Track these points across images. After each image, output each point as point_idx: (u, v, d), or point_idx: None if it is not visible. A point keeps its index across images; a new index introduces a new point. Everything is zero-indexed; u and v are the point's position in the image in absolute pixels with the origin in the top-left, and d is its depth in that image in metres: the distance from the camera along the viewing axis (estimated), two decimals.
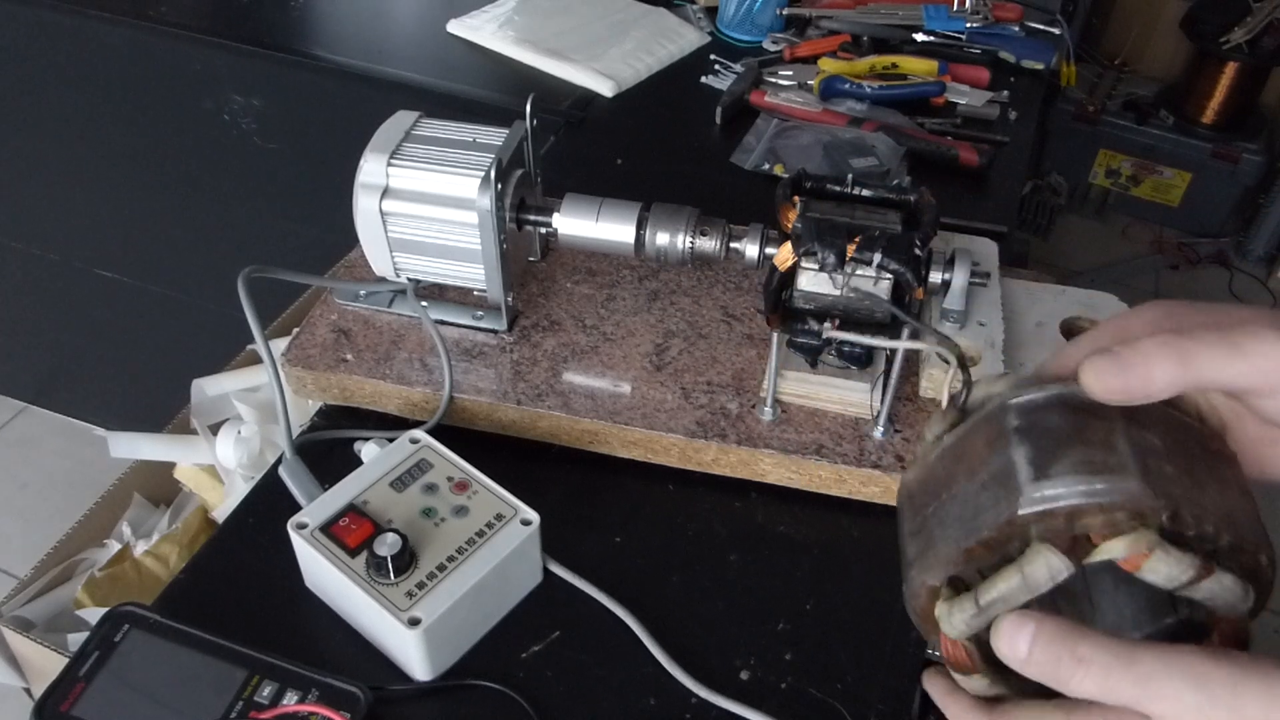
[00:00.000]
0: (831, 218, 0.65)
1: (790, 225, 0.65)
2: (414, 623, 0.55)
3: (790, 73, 1.14)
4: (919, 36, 1.23)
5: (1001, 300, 0.75)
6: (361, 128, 0.73)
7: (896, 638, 0.62)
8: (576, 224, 0.72)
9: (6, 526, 1.82)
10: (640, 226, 0.71)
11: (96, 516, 1.01)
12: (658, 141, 1.08)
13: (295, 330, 0.76)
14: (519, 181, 0.72)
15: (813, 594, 0.64)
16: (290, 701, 0.53)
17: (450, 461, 0.63)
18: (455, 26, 1.25)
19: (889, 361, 0.68)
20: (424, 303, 0.75)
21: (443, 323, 0.76)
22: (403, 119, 0.74)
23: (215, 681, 0.54)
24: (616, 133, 1.09)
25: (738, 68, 1.17)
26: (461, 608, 0.57)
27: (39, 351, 1.88)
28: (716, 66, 1.19)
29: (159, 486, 1.04)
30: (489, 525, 0.60)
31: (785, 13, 1.25)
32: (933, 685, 0.42)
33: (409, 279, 0.76)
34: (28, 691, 0.95)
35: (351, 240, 0.75)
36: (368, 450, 0.69)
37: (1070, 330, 0.75)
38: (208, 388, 0.96)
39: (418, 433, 0.65)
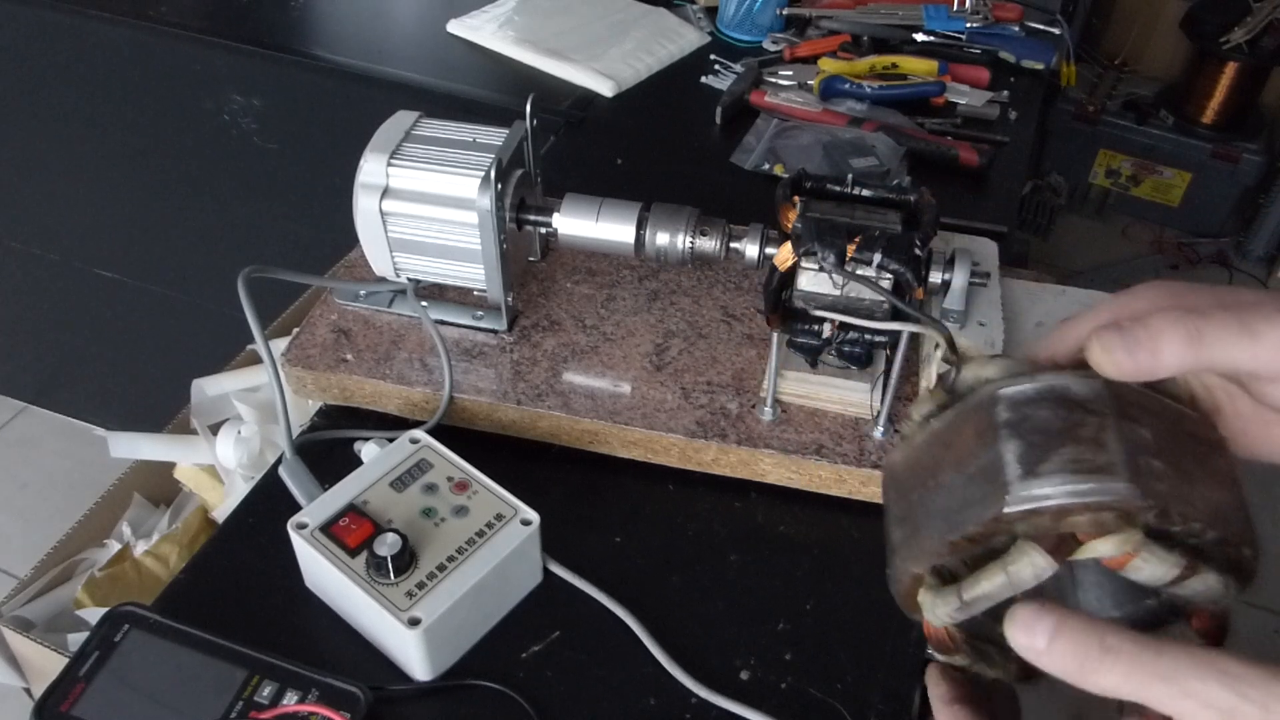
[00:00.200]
0: (831, 218, 0.65)
1: (790, 225, 0.65)
2: (414, 623, 0.55)
3: (790, 73, 1.14)
4: (919, 36, 1.23)
5: (1001, 300, 0.75)
6: (361, 128, 0.73)
7: (896, 638, 0.62)
8: (576, 224, 0.72)
9: (6, 526, 1.82)
10: (640, 226, 0.71)
11: (96, 516, 1.01)
12: (658, 141, 1.08)
13: (295, 330, 0.76)
14: (519, 181, 0.72)
15: (813, 594, 0.64)
16: (290, 701, 0.53)
17: (450, 461, 0.63)
18: (455, 26, 1.25)
19: (889, 361, 0.68)
20: (424, 303, 0.75)
21: (443, 323, 0.76)
22: (403, 119, 0.74)
23: (215, 681, 0.54)
24: (616, 133, 1.09)
25: (738, 68, 1.17)
26: (461, 608, 0.57)
27: (39, 351, 1.88)
28: (716, 66, 1.19)
29: (159, 486, 1.04)
30: (489, 525, 0.60)
31: (785, 13, 1.25)
32: (934, 690, 0.42)
33: (409, 279, 0.76)
34: (28, 691, 0.95)
35: (351, 240, 0.75)
36: (368, 450, 0.69)
37: None
38: (208, 388, 0.96)
39: (418, 433, 0.65)
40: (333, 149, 1.19)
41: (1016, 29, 1.26)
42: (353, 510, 0.60)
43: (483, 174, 0.68)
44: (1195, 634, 0.37)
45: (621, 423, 0.69)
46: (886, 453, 0.68)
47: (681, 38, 1.25)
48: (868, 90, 1.10)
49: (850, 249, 0.63)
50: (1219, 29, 2.26)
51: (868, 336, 0.66)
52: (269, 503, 0.67)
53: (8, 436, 1.99)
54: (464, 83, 1.17)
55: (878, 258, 0.62)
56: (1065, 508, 0.34)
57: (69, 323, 1.75)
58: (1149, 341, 0.34)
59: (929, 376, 0.71)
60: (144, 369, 1.75)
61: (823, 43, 1.20)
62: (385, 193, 0.71)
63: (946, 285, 0.68)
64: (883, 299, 0.65)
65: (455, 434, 0.71)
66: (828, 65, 1.14)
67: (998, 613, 0.39)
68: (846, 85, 1.11)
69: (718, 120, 1.10)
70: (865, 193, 0.68)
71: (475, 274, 0.73)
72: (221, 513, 0.96)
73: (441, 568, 0.57)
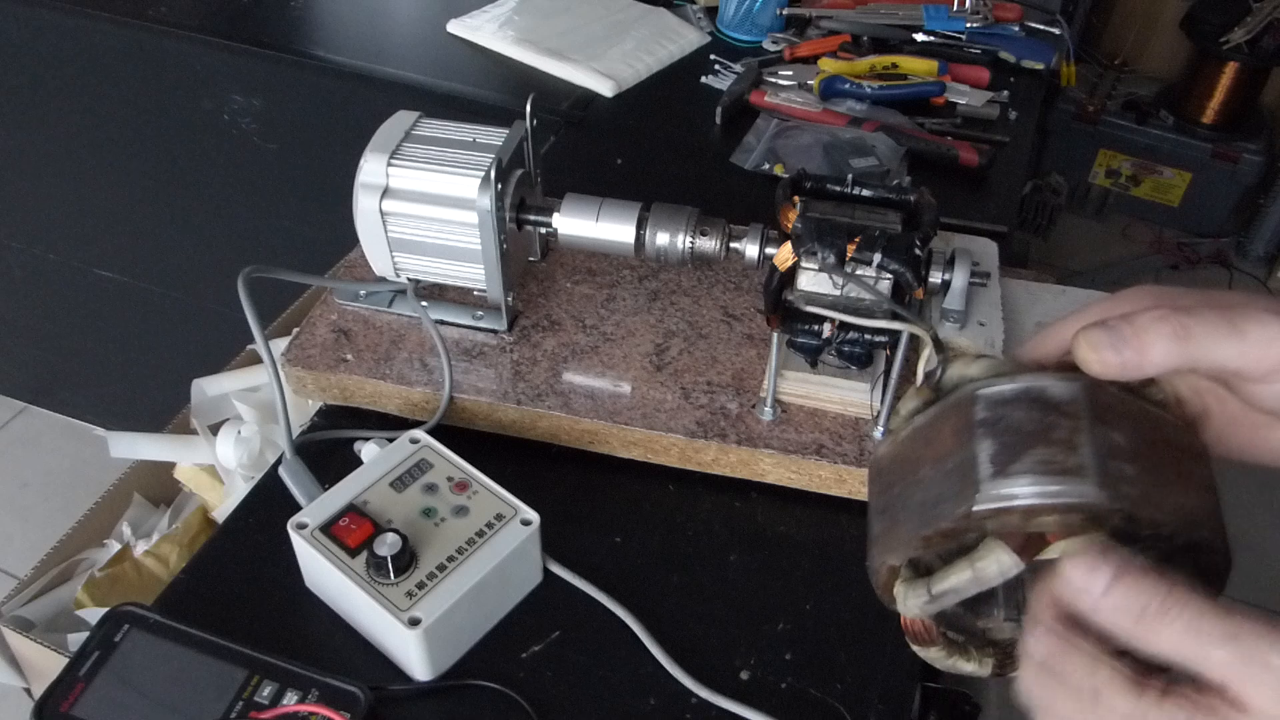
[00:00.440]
0: (831, 218, 0.65)
1: (790, 225, 0.65)
2: (414, 623, 0.55)
3: (790, 73, 1.14)
4: (919, 36, 1.23)
5: (1001, 300, 0.75)
6: (361, 128, 0.73)
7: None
8: (576, 224, 0.72)
9: (6, 526, 1.82)
10: (640, 226, 0.71)
11: (96, 516, 1.01)
12: (658, 141, 1.08)
13: (295, 330, 0.76)
14: (519, 181, 0.72)
15: (813, 594, 0.64)
16: (290, 701, 0.53)
17: (450, 461, 0.63)
18: (455, 26, 1.25)
19: (889, 361, 0.68)
20: (424, 303, 0.75)
21: (443, 323, 0.76)
22: (403, 119, 0.74)
23: (215, 681, 0.54)
24: (616, 133, 1.09)
25: (738, 68, 1.17)
26: (461, 608, 0.57)
27: (39, 351, 1.87)
28: (716, 66, 1.19)
29: (159, 486, 1.04)
30: (489, 525, 0.60)
31: (785, 13, 1.25)
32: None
33: (409, 279, 0.76)
34: (28, 691, 0.95)
35: (351, 240, 0.75)
36: (368, 450, 0.69)
37: None
38: (208, 388, 0.96)
39: (418, 433, 0.65)
40: (333, 149, 1.19)
41: (1016, 29, 1.26)
42: (353, 510, 0.60)
43: (483, 174, 0.68)
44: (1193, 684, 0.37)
45: (621, 423, 0.69)
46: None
47: (681, 38, 1.25)
48: (868, 90, 1.10)
49: (850, 249, 0.63)
50: (1219, 29, 2.26)
51: (867, 336, 0.66)
52: (269, 503, 0.67)
53: (8, 436, 1.99)
54: (464, 83, 1.17)
55: (878, 258, 0.62)
56: (1033, 508, 0.34)
57: (69, 323, 1.75)
58: (1135, 339, 0.34)
59: (924, 358, 0.72)
60: (144, 369, 1.75)
61: (823, 43, 1.20)
62: (385, 193, 0.71)
63: (946, 285, 0.68)
64: (879, 298, 0.65)
65: (455, 434, 0.71)
66: (828, 65, 1.14)
67: (976, 606, 0.39)
68: (846, 85, 1.11)
69: (718, 120, 1.10)
70: (865, 193, 0.68)
71: (475, 274, 0.73)
72: (221, 513, 0.96)
73: (441, 568, 0.57)
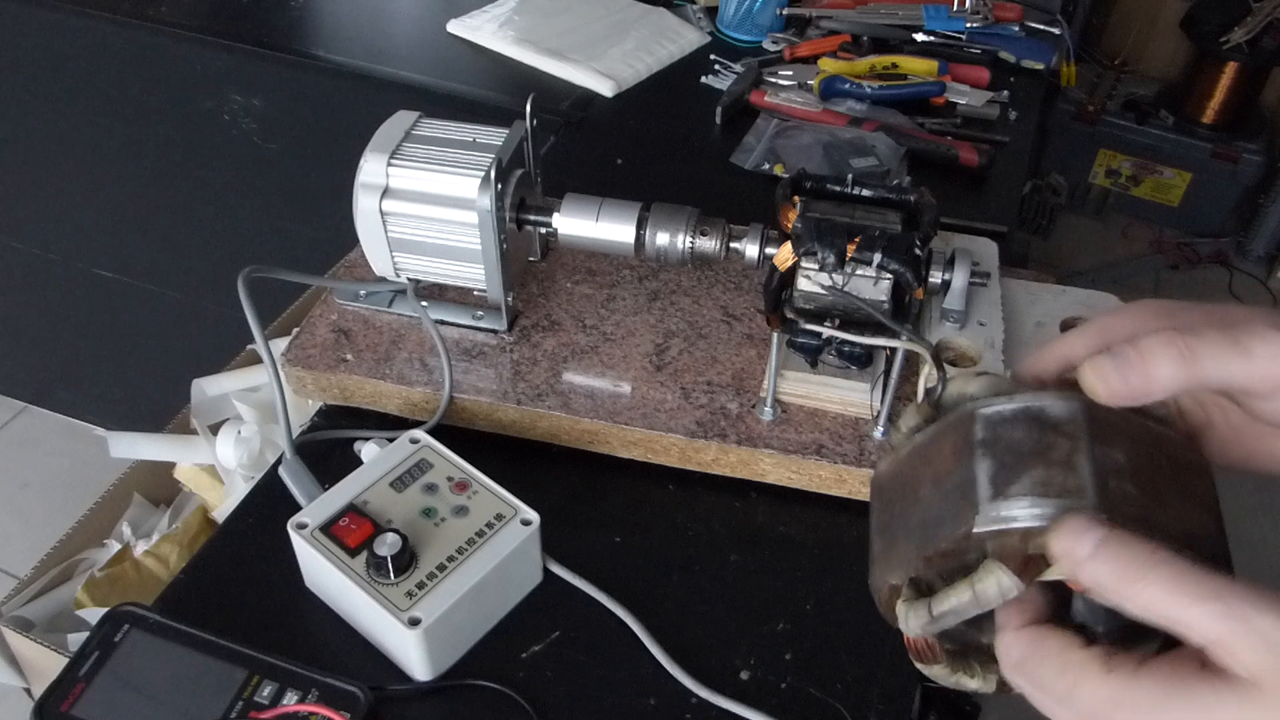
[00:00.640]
0: (831, 218, 0.65)
1: (790, 225, 0.65)
2: (414, 623, 0.55)
3: (790, 73, 1.14)
4: (919, 36, 1.23)
5: (1001, 300, 0.75)
6: (361, 128, 0.73)
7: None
8: (576, 224, 0.72)
9: (7, 526, 1.82)
10: (640, 226, 0.71)
11: (96, 516, 1.01)
12: (658, 141, 1.08)
13: (295, 330, 0.76)
14: (519, 181, 0.72)
15: (813, 594, 0.64)
16: (290, 701, 0.53)
17: (450, 461, 0.63)
18: (455, 26, 1.25)
19: (889, 361, 0.68)
20: (424, 303, 0.75)
21: (443, 323, 0.76)
22: (403, 119, 0.74)
23: (215, 681, 0.54)
24: (616, 133, 1.09)
25: (738, 68, 1.17)
26: (461, 608, 0.57)
27: (39, 351, 1.87)
28: (716, 66, 1.19)
29: (159, 486, 1.04)
30: (489, 525, 0.60)
31: (785, 13, 1.25)
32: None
33: (409, 279, 0.76)
34: (28, 691, 0.94)
35: (351, 240, 0.75)
36: (368, 450, 0.69)
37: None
38: (208, 388, 0.96)
39: (418, 433, 0.65)
40: (333, 149, 1.19)
41: (1016, 29, 1.26)
42: (353, 510, 0.60)
43: (483, 174, 0.68)
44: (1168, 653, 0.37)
45: (621, 423, 0.69)
46: (884, 453, 0.68)
47: (681, 38, 1.25)
48: (868, 90, 1.10)
49: (850, 249, 0.63)
50: (1219, 29, 2.26)
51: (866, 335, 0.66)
52: (269, 503, 0.67)
53: (8, 436, 1.99)
54: (464, 83, 1.17)
55: (878, 258, 0.62)
56: (1032, 530, 0.34)
57: (69, 323, 1.75)
58: (1141, 363, 0.34)
59: (924, 375, 0.71)
60: (144, 369, 1.75)
61: (823, 43, 1.20)
62: (385, 193, 0.71)
63: (946, 285, 0.68)
64: (882, 299, 0.65)
65: (455, 434, 0.71)
66: (828, 65, 1.14)
67: (979, 621, 0.39)
68: (846, 85, 1.11)
69: (718, 120, 1.10)
70: (865, 193, 0.68)
71: (475, 274, 0.73)
72: (221, 513, 0.96)
73: (441, 568, 0.57)
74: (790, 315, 0.65)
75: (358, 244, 0.75)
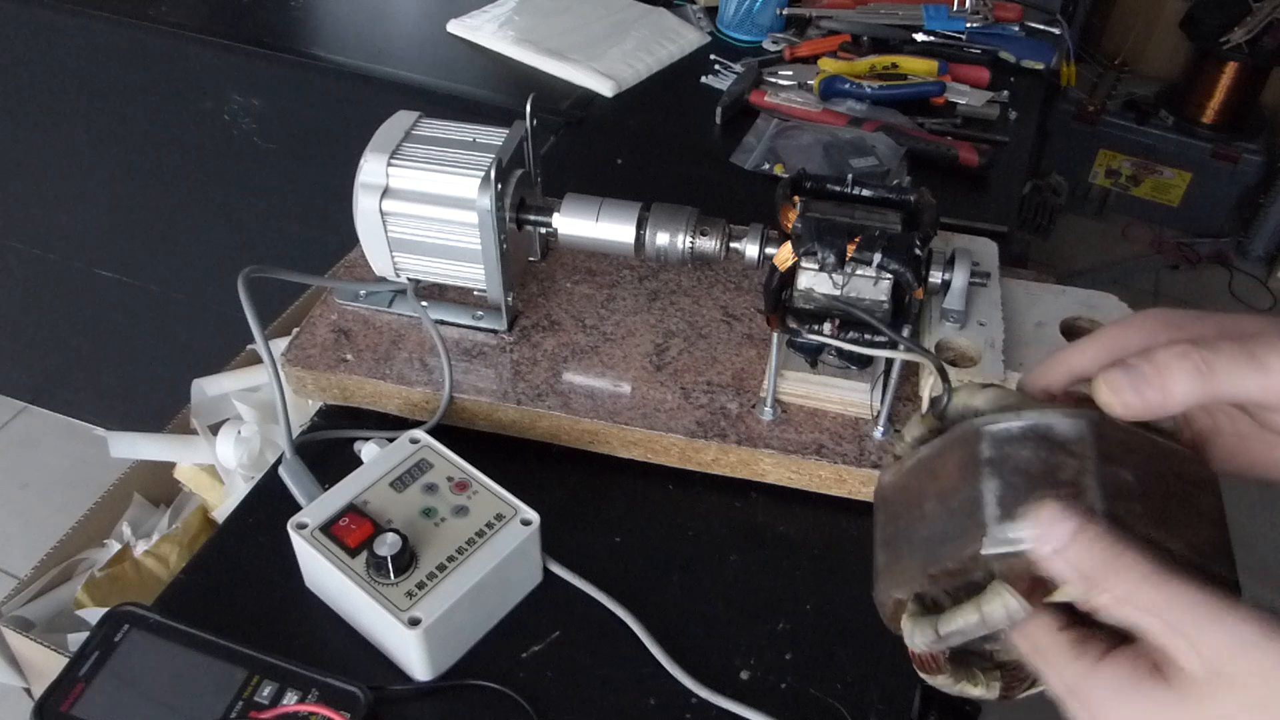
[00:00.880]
0: (831, 218, 0.65)
1: (790, 225, 0.65)
2: (414, 623, 0.55)
3: (790, 73, 1.14)
4: (919, 36, 1.23)
5: (1001, 300, 0.75)
6: (361, 128, 0.73)
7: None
8: (576, 224, 0.72)
9: (7, 526, 1.82)
10: (640, 226, 0.71)
11: (96, 516, 1.01)
12: (658, 141, 1.08)
13: (295, 330, 0.76)
14: (519, 181, 0.72)
15: (813, 594, 0.64)
16: (290, 701, 0.53)
17: (450, 461, 0.63)
18: (455, 26, 1.25)
19: (889, 362, 0.68)
20: (424, 303, 0.75)
21: (443, 323, 0.76)
22: (403, 119, 0.74)
23: (215, 681, 0.54)
24: (616, 133, 1.09)
25: (738, 68, 1.17)
26: (461, 608, 0.57)
27: (39, 351, 1.88)
28: (716, 66, 1.19)
29: (159, 486, 1.04)
30: (489, 525, 0.60)
31: (785, 13, 1.25)
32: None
33: (409, 279, 0.76)
34: (28, 691, 0.95)
35: (351, 240, 0.75)
36: (368, 450, 0.69)
37: (1071, 331, 0.76)
38: (208, 388, 0.96)
39: (418, 433, 0.65)
40: (333, 149, 1.19)
41: (1016, 29, 1.26)
42: (353, 510, 0.60)
43: (483, 174, 0.68)
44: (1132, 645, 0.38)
45: (621, 423, 0.69)
46: (885, 454, 0.68)
47: (681, 38, 1.25)
48: (868, 90, 1.10)
49: (850, 249, 0.63)
50: (1219, 29, 2.26)
51: (868, 336, 0.66)
52: (269, 503, 0.67)
53: (8, 436, 1.99)
54: (464, 83, 1.17)
55: (878, 258, 0.62)
56: None
57: (69, 323, 1.75)
58: (1157, 379, 0.34)
59: (928, 386, 0.71)
60: (144, 369, 1.75)
61: (823, 43, 1.20)
62: (385, 193, 0.71)
63: (946, 285, 0.68)
64: (882, 299, 0.65)
65: (455, 434, 0.71)
66: (828, 65, 1.14)
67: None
68: (846, 85, 1.11)
69: (718, 120, 1.10)
70: (865, 193, 0.68)
71: (475, 274, 0.73)
72: (221, 513, 0.96)
73: (441, 568, 0.57)
74: (793, 324, 0.65)
75: (358, 244, 0.75)
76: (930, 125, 1.09)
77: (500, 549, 0.59)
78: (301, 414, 0.76)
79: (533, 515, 0.61)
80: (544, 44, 1.21)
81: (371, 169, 0.71)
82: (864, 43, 1.22)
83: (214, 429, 0.93)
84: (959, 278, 0.68)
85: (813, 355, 0.70)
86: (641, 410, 0.70)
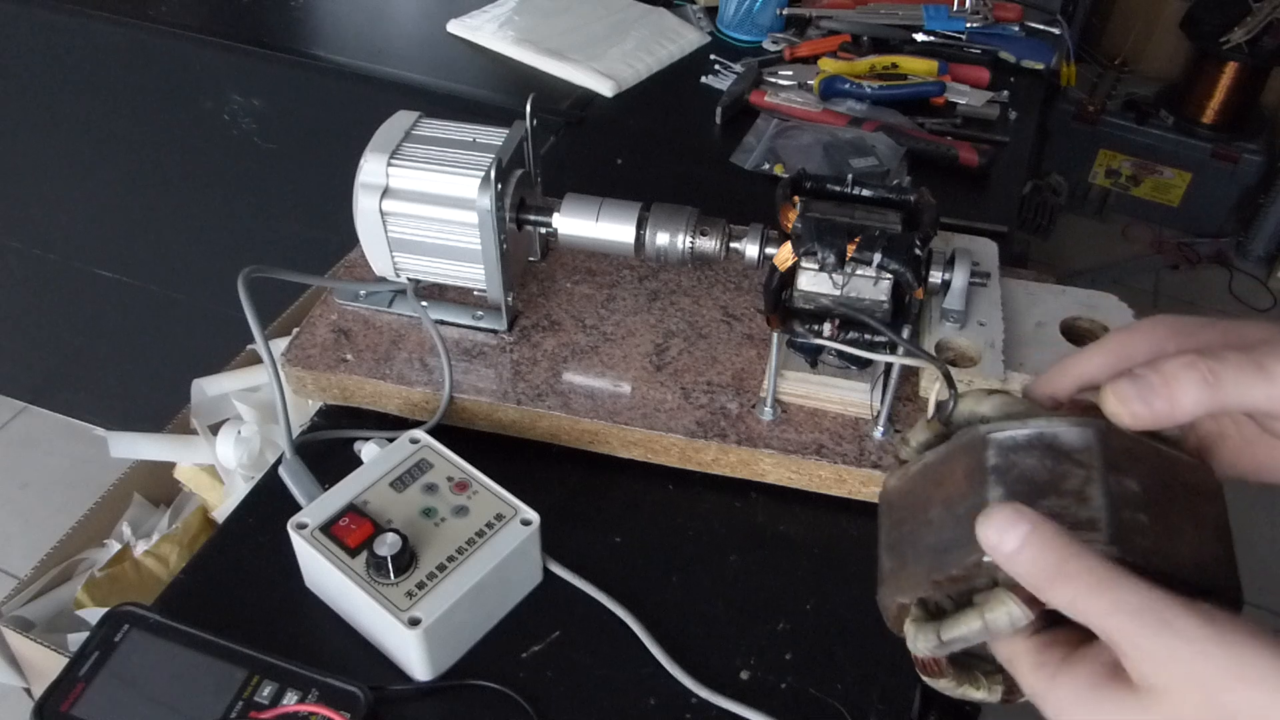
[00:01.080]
0: (831, 218, 0.65)
1: (790, 225, 0.65)
2: (414, 623, 0.55)
3: (790, 73, 1.14)
4: (919, 36, 1.23)
5: (1001, 300, 0.75)
6: (361, 128, 0.73)
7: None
8: (576, 224, 0.72)
9: (7, 526, 1.82)
10: (640, 226, 0.71)
11: (96, 516, 1.01)
12: (658, 141, 1.08)
13: (295, 330, 0.76)
14: (519, 181, 0.72)
15: (813, 594, 0.64)
16: (290, 701, 0.53)
17: (450, 461, 0.63)
18: (455, 26, 1.25)
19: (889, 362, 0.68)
20: (424, 303, 0.75)
21: (443, 323, 0.76)
22: (403, 119, 0.74)
23: (215, 681, 0.54)
24: (616, 133, 1.09)
25: (738, 68, 1.17)
26: (461, 608, 0.57)
27: (39, 351, 1.88)
28: (716, 66, 1.19)
29: (159, 486, 1.04)
30: (489, 525, 0.60)
31: (785, 13, 1.25)
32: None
33: (409, 279, 0.76)
34: (28, 691, 0.95)
35: (351, 240, 0.75)
36: (368, 450, 0.69)
37: (1071, 331, 0.76)
38: (208, 388, 0.96)
39: (418, 433, 0.65)
40: (333, 149, 1.19)
41: (1016, 29, 1.26)
42: (353, 510, 0.60)
43: (483, 174, 0.68)
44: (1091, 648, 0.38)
45: (621, 423, 0.69)
46: (886, 454, 0.68)
47: (681, 38, 1.25)
48: (868, 90, 1.10)
49: (850, 249, 0.63)
50: (1219, 29, 2.26)
51: (868, 337, 0.66)
52: (269, 503, 0.67)
53: (8, 436, 1.99)
54: (464, 83, 1.17)
55: (878, 258, 0.62)
56: None
57: (69, 323, 1.75)
58: (1165, 390, 0.34)
59: (929, 378, 0.71)
60: (144, 369, 1.75)
61: (823, 43, 1.20)
62: (385, 193, 0.71)
63: (946, 285, 0.68)
64: (882, 299, 0.65)
65: (455, 434, 0.71)
66: (828, 65, 1.14)
67: None
68: (846, 85, 1.11)
69: (718, 120, 1.10)
70: (865, 193, 0.68)
71: (475, 274, 0.73)
72: (221, 513, 0.96)
73: (441, 568, 0.57)
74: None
75: (358, 244, 0.75)
76: (930, 125, 1.09)
77: (500, 549, 0.59)
78: (301, 414, 0.76)
79: (533, 515, 0.61)
80: (544, 44, 1.21)
81: (371, 169, 0.71)
82: (864, 43, 1.22)
83: (214, 429, 0.93)
84: (959, 278, 0.68)
85: (813, 355, 0.70)
86: (641, 410, 0.70)
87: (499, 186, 0.68)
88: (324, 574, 0.59)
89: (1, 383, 2.01)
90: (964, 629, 0.36)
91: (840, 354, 0.69)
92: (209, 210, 1.41)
